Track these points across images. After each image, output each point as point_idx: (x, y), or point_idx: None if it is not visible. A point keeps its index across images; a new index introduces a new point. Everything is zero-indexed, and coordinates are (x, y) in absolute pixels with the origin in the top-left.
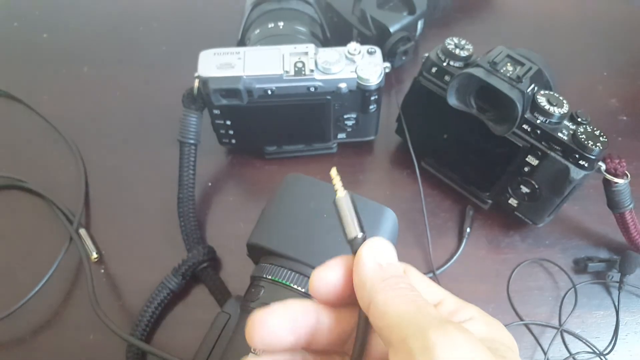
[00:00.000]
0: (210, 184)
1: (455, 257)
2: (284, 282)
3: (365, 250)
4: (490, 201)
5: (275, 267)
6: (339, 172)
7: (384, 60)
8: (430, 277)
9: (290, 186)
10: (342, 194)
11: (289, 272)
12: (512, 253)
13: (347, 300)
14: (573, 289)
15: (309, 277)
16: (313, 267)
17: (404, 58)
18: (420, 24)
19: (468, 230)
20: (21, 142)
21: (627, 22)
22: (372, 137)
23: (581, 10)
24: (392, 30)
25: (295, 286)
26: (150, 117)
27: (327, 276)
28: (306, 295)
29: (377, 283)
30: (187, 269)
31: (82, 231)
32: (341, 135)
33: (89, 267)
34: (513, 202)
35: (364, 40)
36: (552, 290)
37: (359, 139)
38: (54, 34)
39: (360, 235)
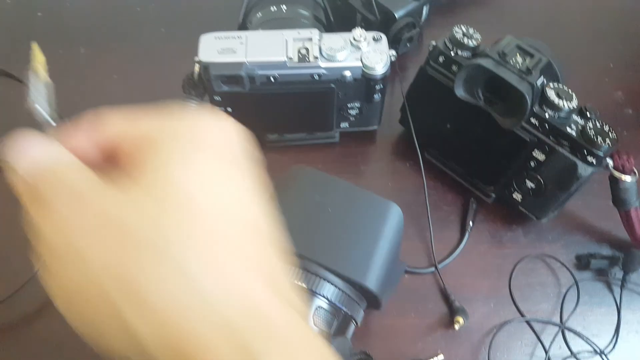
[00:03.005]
0: None
1: (457, 252)
2: None
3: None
4: (493, 195)
5: None
6: (340, 161)
7: (389, 47)
8: (432, 272)
9: (295, 178)
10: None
11: (292, 267)
12: (514, 248)
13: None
14: (575, 286)
15: (312, 274)
16: (317, 263)
17: (408, 45)
18: (425, 10)
19: (471, 224)
20: (16, 123)
21: (633, 12)
22: (375, 127)
23: (588, 0)
24: (397, 15)
25: (298, 282)
26: (149, 101)
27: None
28: (312, 292)
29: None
30: None
31: None
32: (344, 125)
33: None
34: (517, 196)
35: (367, 25)
36: (554, 286)
37: (362, 128)
38: (48, 13)
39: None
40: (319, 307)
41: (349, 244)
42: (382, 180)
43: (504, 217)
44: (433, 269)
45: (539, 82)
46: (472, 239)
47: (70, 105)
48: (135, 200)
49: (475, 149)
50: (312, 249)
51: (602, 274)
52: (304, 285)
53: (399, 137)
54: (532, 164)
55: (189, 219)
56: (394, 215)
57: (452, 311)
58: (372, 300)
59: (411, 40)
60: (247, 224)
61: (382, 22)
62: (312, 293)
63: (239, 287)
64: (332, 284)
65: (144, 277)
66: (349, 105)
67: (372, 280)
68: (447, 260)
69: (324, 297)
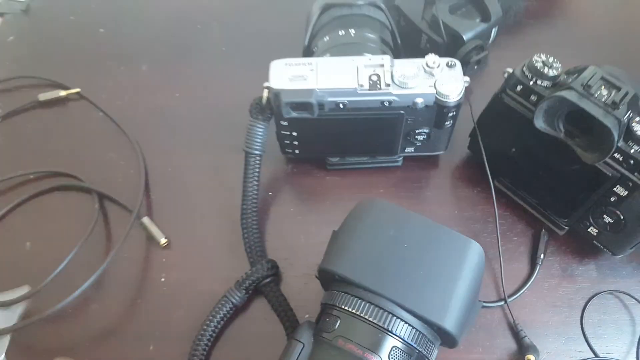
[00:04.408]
0: (270, 194)
1: (527, 285)
2: (359, 314)
3: None
4: (566, 227)
5: (351, 297)
6: (402, 185)
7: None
8: (501, 306)
9: (367, 211)
10: None
11: (366, 304)
12: (586, 282)
13: None
14: None
15: (386, 311)
16: (390, 300)
17: (476, 67)
18: (494, 32)
19: (542, 256)
20: (79, 138)
21: None
22: (441, 152)
23: None
24: (465, 38)
25: (371, 319)
26: (210, 120)
27: None
28: (382, 328)
29: None
30: (251, 284)
31: (146, 219)
32: (409, 149)
33: None
34: (593, 230)
35: (433, 47)
36: (629, 324)
37: (427, 153)
38: (110, 30)
39: None
40: (394, 347)
41: (427, 282)
42: (447, 208)
43: (576, 250)
44: (502, 302)
45: (625, 117)
46: (542, 272)
47: (133, 121)
48: None
49: (550, 180)
50: (388, 286)
51: None
52: (377, 321)
53: (465, 163)
54: (613, 199)
55: None
56: (475, 254)
57: (522, 348)
58: (447, 340)
59: (479, 63)
60: None
61: (449, 45)
62: (387, 332)
63: None
64: (408, 323)
65: None
66: (417, 130)
67: (450, 322)
68: (517, 294)
69: (399, 337)
